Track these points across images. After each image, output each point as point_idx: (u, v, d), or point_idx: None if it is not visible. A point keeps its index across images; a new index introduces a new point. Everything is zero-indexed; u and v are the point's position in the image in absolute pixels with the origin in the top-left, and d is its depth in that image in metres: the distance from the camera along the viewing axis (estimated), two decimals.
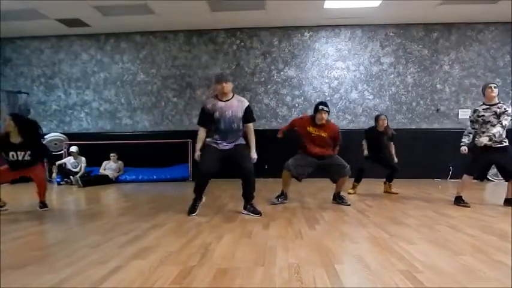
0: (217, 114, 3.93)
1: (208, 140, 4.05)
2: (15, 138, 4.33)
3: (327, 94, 8.71)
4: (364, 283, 1.98)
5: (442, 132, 8.42)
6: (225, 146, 3.98)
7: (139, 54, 9.08)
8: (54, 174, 7.94)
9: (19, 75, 9.30)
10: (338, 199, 4.75)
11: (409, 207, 4.50)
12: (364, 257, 2.40)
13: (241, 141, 4.09)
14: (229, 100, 3.97)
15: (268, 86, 8.85)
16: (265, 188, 6.11)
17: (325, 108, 4.60)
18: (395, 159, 5.78)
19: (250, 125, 4.09)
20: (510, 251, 2.53)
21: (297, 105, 8.74)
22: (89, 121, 9.23)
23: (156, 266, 2.24)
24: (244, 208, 4.06)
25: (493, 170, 6.90)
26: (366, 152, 5.72)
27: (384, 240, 2.84)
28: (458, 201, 4.58)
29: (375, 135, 5.71)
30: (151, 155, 8.51)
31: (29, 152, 4.37)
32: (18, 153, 4.34)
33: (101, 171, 8.02)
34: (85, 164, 7.96)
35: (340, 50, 8.75)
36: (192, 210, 4.01)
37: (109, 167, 8.10)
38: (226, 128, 3.96)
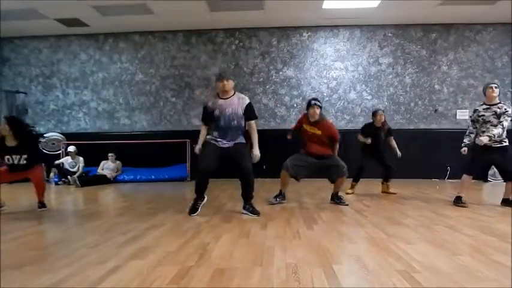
0: (217, 111, 3.93)
1: (208, 137, 4.05)
2: (10, 142, 4.32)
3: (325, 94, 8.72)
4: (362, 283, 1.98)
5: (440, 133, 8.44)
6: (224, 144, 3.97)
7: (138, 54, 9.08)
8: (52, 174, 7.92)
9: (17, 74, 9.27)
10: (336, 199, 4.75)
11: (407, 207, 4.51)
12: (362, 257, 2.40)
13: (242, 139, 4.07)
14: (229, 98, 3.98)
15: (267, 86, 8.86)
16: (263, 188, 6.12)
17: (317, 103, 4.61)
18: (399, 153, 5.73)
19: (252, 122, 4.07)
20: (508, 251, 2.54)
21: (295, 105, 8.74)
22: (87, 121, 9.22)
23: (154, 266, 2.24)
24: (244, 208, 4.06)
25: (491, 170, 6.94)
26: (369, 141, 5.58)
27: (381, 241, 2.85)
28: (457, 201, 4.59)
29: (372, 131, 5.70)
30: (149, 155, 8.50)
31: (24, 156, 4.36)
32: (14, 156, 4.33)
33: (99, 171, 8.00)
34: (83, 164, 7.94)
35: (339, 50, 8.76)
36: (193, 210, 4.00)
37: (107, 167, 8.08)
38: (226, 125, 3.95)
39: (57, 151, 8.57)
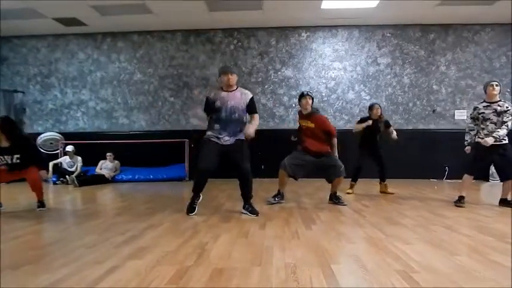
0: (218, 103, 3.93)
1: (208, 133, 4.01)
2: (3, 143, 4.35)
3: (324, 94, 8.73)
4: (361, 283, 1.98)
5: (439, 133, 8.45)
6: (226, 140, 3.95)
7: (136, 54, 9.06)
8: (50, 174, 7.89)
9: (15, 74, 9.25)
10: (334, 199, 4.75)
11: (405, 207, 4.51)
12: (360, 257, 2.40)
13: (241, 136, 4.03)
14: (233, 91, 4.00)
15: (266, 86, 8.86)
16: (262, 188, 6.11)
17: (309, 93, 4.68)
18: (395, 136, 5.73)
19: (255, 115, 4.08)
20: (506, 251, 2.55)
21: (294, 105, 8.74)
22: (85, 120, 9.20)
23: (153, 266, 2.24)
24: (244, 207, 4.06)
25: (491, 170, 6.97)
26: (367, 123, 5.55)
27: (380, 241, 2.85)
28: (459, 201, 4.58)
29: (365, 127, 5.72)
30: (147, 154, 8.48)
31: (16, 156, 4.37)
32: (6, 157, 4.35)
33: (97, 170, 7.99)
34: (81, 164, 7.93)
35: (337, 50, 8.77)
36: (191, 209, 3.99)
37: (105, 166, 8.07)
38: (226, 118, 3.94)
39: (55, 151, 8.54)
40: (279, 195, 4.81)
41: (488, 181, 7.74)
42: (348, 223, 3.58)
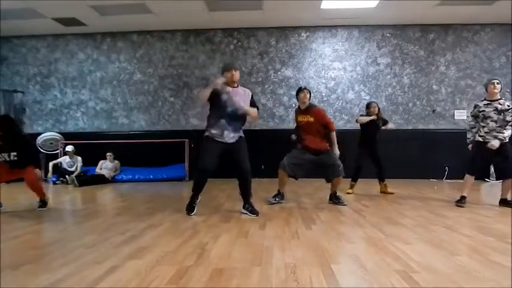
0: (225, 96, 3.90)
1: (211, 131, 3.94)
2: (1, 140, 4.39)
3: (323, 94, 8.73)
4: (361, 283, 1.98)
5: (438, 133, 8.46)
6: (231, 138, 3.93)
7: (136, 54, 9.06)
8: (49, 174, 7.89)
9: (15, 74, 9.25)
10: (334, 199, 4.74)
11: (405, 207, 4.51)
12: (360, 257, 2.40)
13: (242, 133, 4.06)
14: (235, 88, 4.01)
15: (266, 86, 8.86)
16: (261, 188, 6.11)
17: (307, 87, 4.74)
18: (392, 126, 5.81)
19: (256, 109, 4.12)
20: (506, 251, 2.55)
21: (293, 105, 8.73)
22: (85, 120, 9.20)
23: (153, 266, 2.24)
24: (244, 207, 4.06)
25: (491, 170, 6.97)
26: (371, 118, 5.60)
27: (380, 240, 2.85)
28: (460, 201, 4.57)
29: (369, 122, 5.73)
30: (147, 154, 8.49)
31: (13, 153, 4.38)
32: (3, 154, 4.37)
33: (97, 170, 7.98)
34: (81, 164, 7.93)
35: (337, 50, 8.77)
36: (190, 209, 3.99)
37: (105, 166, 8.07)
38: (232, 112, 3.92)
39: (55, 151, 8.54)
40: (279, 195, 4.81)
41: (489, 181, 7.74)
42: (347, 223, 3.58)
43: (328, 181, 4.75)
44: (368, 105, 5.86)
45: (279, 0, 7.16)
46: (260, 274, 2.08)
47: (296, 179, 4.83)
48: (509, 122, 4.40)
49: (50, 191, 6.60)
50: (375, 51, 8.69)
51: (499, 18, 8.06)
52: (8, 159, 4.38)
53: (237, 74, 3.98)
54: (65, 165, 7.92)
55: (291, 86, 8.80)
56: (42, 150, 8.16)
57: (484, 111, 4.53)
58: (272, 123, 8.81)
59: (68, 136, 8.76)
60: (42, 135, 8.59)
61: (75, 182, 7.25)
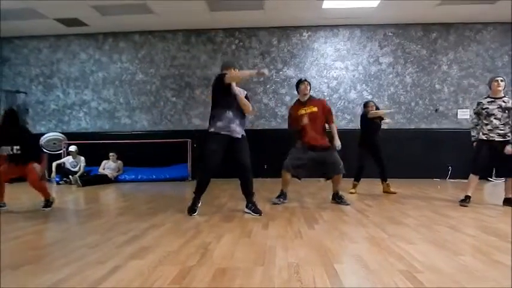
0: (235, 90, 3.96)
1: (218, 125, 3.90)
2: (5, 134, 4.44)
3: (326, 94, 8.71)
4: (364, 283, 1.97)
5: (441, 132, 8.43)
6: (237, 133, 3.93)
7: (138, 54, 9.08)
8: (53, 174, 7.91)
9: (17, 74, 9.28)
10: (337, 199, 4.72)
11: (408, 207, 4.50)
12: (363, 257, 2.39)
13: (244, 132, 4.06)
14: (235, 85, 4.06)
15: (267, 86, 8.85)
16: (264, 187, 6.10)
17: (307, 79, 4.78)
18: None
19: None
20: (510, 251, 2.53)
21: None
22: (87, 121, 9.22)
23: (155, 266, 2.24)
24: (247, 206, 4.05)
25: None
26: (392, 109, 5.62)
27: (383, 240, 2.84)
28: (464, 201, 4.55)
29: (367, 120, 5.73)
30: (150, 154, 8.50)
31: (16, 147, 4.41)
32: (4, 148, 4.40)
33: (100, 170, 8.00)
34: (84, 164, 7.94)
35: (339, 50, 8.75)
36: (193, 210, 3.97)
37: (108, 166, 8.08)
38: (237, 107, 3.95)
39: (58, 151, 8.57)
40: (283, 195, 4.80)
41: (492, 180, 7.70)
42: (350, 223, 3.57)
43: (327, 178, 4.73)
44: (366, 104, 5.87)
45: (280, 0, 7.15)
46: (263, 274, 2.08)
47: (299, 179, 4.82)
48: None
49: (54, 191, 6.60)
50: (377, 50, 8.67)
51: (502, 17, 8.03)
52: (11, 152, 4.41)
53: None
54: (68, 165, 7.94)
55: (292, 85, 8.72)
56: (45, 151, 8.17)
57: (487, 108, 4.50)
58: (274, 122, 8.81)
59: (70, 136, 8.79)
60: (45, 135, 8.61)
61: (79, 182, 7.27)
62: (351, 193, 5.62)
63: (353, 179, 5.80)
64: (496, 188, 6.64)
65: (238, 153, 3.94)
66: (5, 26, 8.28)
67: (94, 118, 9.20)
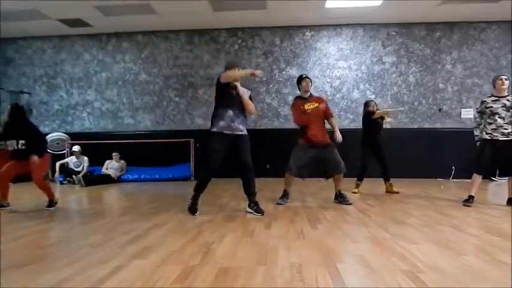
0: (233, 91, 3.93)
1: (221, 124, 3.89)
2: (11, 128, 4.47)
3: (328, 93, 8.70)
4: (366, 283, 1.97)
5: (445, 132, 8.40)
6: (241, 130, 3.93)
7: (141, 54, 9.10)
8: (56, 174, 7.95)
9: (21, 75, 9.33)
10: (340, 198, 4.72)
11: (411, 207, 4.48)
12: (365, 257, 2.39)
13: (246, 131, 4.06)
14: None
15: (270, 86, 8.85)
16: (266, 187, 6.10)
17: (308, 75, 4.79)
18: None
19: None
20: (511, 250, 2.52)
21: None
22: (91, 121, 9.25)
23: (158, 265, 2.24)
24: (249, 206, 4.05)
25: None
26: (402, 108, 5.60)
27: (385, 240, 2.83)
28: (468, 200, 4.53)
29: (369, 119, 5.72)
30: (153, 154, 8.52)
31: (22, 142, 4.43)
32: (12, 141, 4.43)
33: (103, 170, 8.03)
34: (87, 164, 7.97)
35: (342, 49, 8.74)
36: (194, 210, 3.98)
37: (111, 166, 8.11)
38: (238, 107, 3.94)
39: (61, 151, 8.60)
40: (286, 196, 4.79)
41: (496, 180, 7.66)
42: (353, 222, 3.56)
43: (328, 177, 4.73)
44: (367, 104, 5.86)
45: (282, 0, 7.16)
46: (265, 274, 2.08)
47: (303, 178, 4.81)
48: None
49: (57, 190, 6.64)
50: (380, 49, 8.65)
51: (506, 16, 7.98)
52: (16, 147, 4.43)
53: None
54: (71, 165, 7.97)
55: (295, 85, 8.74)
56: (49, 151, 8.20)
57: (491, 107, 4.47)
58: (277, 122, 8.80)
59: (74, 136, 8.83)
60: (49, 135, 8.64)
61: (82, 181, 7.29)
62: (354, 193, 5.61)
63: (356, 178, 5.79)
64: (499, 187, 6.60)
65: (240, 152, 3.93)
66: (9, 27, 8.33)
67: (97, 118, 9.23)
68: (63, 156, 8.39)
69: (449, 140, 8.19)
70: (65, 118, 9.29)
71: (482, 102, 4.61)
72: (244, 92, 4.06)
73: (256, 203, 4.03)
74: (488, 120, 4.49)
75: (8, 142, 4.44)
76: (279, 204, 4.65)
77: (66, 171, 7.91)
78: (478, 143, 4.67)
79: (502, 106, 4.41)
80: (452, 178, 8.09)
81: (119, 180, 7.99)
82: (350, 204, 4.58)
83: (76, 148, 8.03)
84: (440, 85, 8.56)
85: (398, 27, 8.57)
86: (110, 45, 9.15)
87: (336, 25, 8.66)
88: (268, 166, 8.05)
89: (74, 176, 7.64)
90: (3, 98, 9.03)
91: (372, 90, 8.66)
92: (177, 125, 9.02)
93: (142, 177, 8.16)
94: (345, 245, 2.73)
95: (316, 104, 4.64)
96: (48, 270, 2.18)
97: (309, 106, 4.65)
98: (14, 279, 2.05)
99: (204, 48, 8.98)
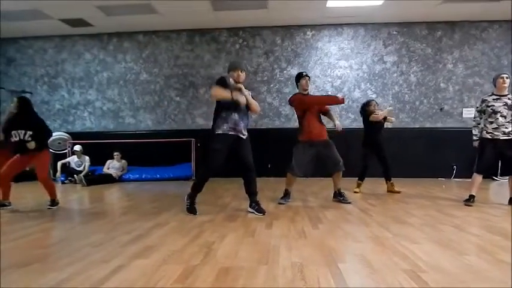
0: (236, 94, 3.85)
1: (224, 127, 3.87)
2: (19, 119, 4.49)
3: (330, 93, 8.68)
4: (368, 283, 1.97)
5: (446, 132, 8.38)
6: (243, 134, 3.92)
7: (142, 54, 9.10)
8: (58, 173, 7.96)
9: (23, 74, 9.34)
10: (339, 197, 4.73)
11: (412, 206, 4.48)
12: (367, 256, 2.38)
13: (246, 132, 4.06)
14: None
15: (271, 85, 8.84)
16: (268, 187, 6.10)
17: (308, 74, 4.81)
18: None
19: None
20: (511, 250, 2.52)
21: None
22: (92, 120, 9.26)
23: (159, 265, 2.24)
24: (250, 206, 4.05)
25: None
26: (384, 112, 5.65)
27: (387, 240, 2.83)
28: (469, 200, 4.53)
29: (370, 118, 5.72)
30: (154, 154, 8.53)
31: (30, 133, 4.44)
32: (19, 131, 4.44)
33: (105, 170, 8.04)
34: (89, 163, 7.98)
35: (343, 48, 8.72)
36: (193, 210, 3.98)
37: (112, 166, 8.11)
38: (242, 109, 3.93)
39: (63, 150, 8.61)
40: (287, 195, 4.79)
41: (497, 179, 7.64)
42: (354, 222, 3.56)
43: (327, 175, 4.75)
44: (368, 103, 5.84)
45: None
46: (267, 273, 2.08)
47: (307, 177, 4.80)
48: None
49: (59, 190, 6.62)
50: (381, 49, 8.63)
51: (507, 15, 7.95)
52: (22, 138, 4.43)
53: (242, 75, 3.94)
54: (73, 165, 7.98)
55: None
56: (50, 150, 8.22)
57: (493, 106, 4.45)
58: (278, 122, 8.80)
59: (75, 136, 8.83)
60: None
61: (83, 181, 7.30)
62: (355, 192, 5.60)
63: (357, 178, 5.79)
64: (501, 187, 6.59)
65: (241, 152, 3.93)
66: (11, 27, 8.34)
67: (98, 118, 9.24)
68: (64, 156, 8.40)
69: (451, 139, 8.17)
70: (66, 118, 9.30)
71: (483, 101, 4.59)
72: (249, 93, 4.05)
73: (257, 203, 4.02)
74: (489, 119, 4.47)
75: (13, 132, 4.44)
76: (281, 203, 4.65)
77: (68, 170, 7.93)
78: (475, 142, 4.64)
79: (504, 105, 4.39)
80: (453, 178, 8.07)
81: (120, 179, 8.00)
82: (349, 203, 4.58)
83: (77, 148, 8.04)
84: (442, 84, 8.54)
85: (400, 26, 8.55)
86: (111, 44, 9.16)
87: (337, 24, 8.65)
88: (269, 166, 8.05)
89: (75, 176, 7.65)
90: (4, 98, 9.04)
91: (373, 89, 8.64)
92: (178, 125, 9.02)
93: (143, 176, 8.16)
94: (346, 245, 2.73)
95: None
96: (49, 270, 2.18)
97: None
98: (16, 279, 2.05)
99: (205, 48, 8.97)
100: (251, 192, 4.04)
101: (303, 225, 3.40)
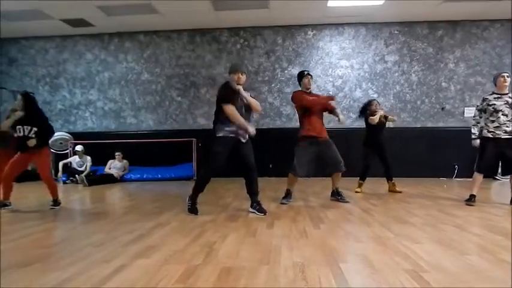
0: (240, 101, 3.89)
1: (227, 130, 3.86)
2: (26, 114, 4.50)
3: (331, 93, 8.67)
4: (369, 282, 1.96)
5: (448, 131, 8.37)
6: (244, 138, 3.93)
7: (143, 54, 9.11)
8: (59, 173, 7.98)
9: (24, 75, 9.36)
10: (337, 195, 4.74)
11: (413, 206, 4.47)
12: (368, 256, 2.38)
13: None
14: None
15: (272, 85, 8.84)
16: (269, 187, 6.10)
17: (310, 72, 4.80)
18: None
19: None
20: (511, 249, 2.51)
21: None
22: (93, 120, 9.27)
23: (160, 265, 2.24)
24: (251, 206, 4.04)
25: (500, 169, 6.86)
26: (381, 112, 5.64)
27: (388, 240, 2.82)
28: (470, 200, 4.52)
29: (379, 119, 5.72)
30: (155, 154, 8.54)
31: (34, 129, 4.46)
32: (25, 127, 4.45)
33: (106, 170, 8.05)
34: (90, 163, 8.00)
35: (344, 48, 8.72)
36: (195, 210, 3.98)
37: (114, 166, 8.13)
38: (246, 112, 3.94)
39: (64, 150, 8.63)
40: (289, 195, 4.79)
41: (498, 179, 7.62)
42: (356, 222, 3.56)
43: (327, 175, 4.73)
44: (369, 103, 5.84)
45: None
46: (268, 273, 2.08)
47: (309, 177, 4.80)
48: None
49: (60, 190, 6.64)
50: (382, 48, 8.63)
51: (508, 14, 7.93)
52: (27, 134, 4.45)
53: (243, 78, 3.91)
54: (74, 165, 8.00)
55: (297, 84, 8.74)
56: (52, 150, 8.24)
57: (494, 104, 4.43)
58: (279, 122, 8.80)
59: (77, 136, 8.85)
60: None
61: (85, 181, 7.31)
62: (357, 192, 5.60)
63: (358, 178, 5.78)
64: (502, 186, 6.57)
65: (243, 153, 3.93)
66: (12, 27, 8.36)
67: (100, 118, 9.25)
68: (66, 156, 8.42)
69: (452, 139, 8.16)
70: (67, 118, 9.32)
71: (484, 99, 4.57)
72: (248, 94, 4.06)
73: (258, 203, 4.02)
74: (491, 118, 4.46)
75: (17, 127, 4.45)
76: (283, 203, 4.65)
77: (69, 170, 7.95)
78: (473, 141, 4.62)
79: (505, 103, 4.38)
80: (455, 177, 8.06)
81: (121, 179, 8.01)
82: (347, 202, 4.59)
83: (79, 148, 8.06)
84: (443, 84, 8.53)
85: (401, 26, 8.54)
86: (112, 45, 9.17)
87: (338, 24, 8.64)
88: (270, 166, 8.05)
89: (76, 176, 7.66)
90: (5, 98, 9.06)
91: (374, 89, 8.64)
92: (179, 125, 9.03)
93: (144, 176, 8.17)
94: (347, 245, 2.73)
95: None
96: (51, 270, 2.19)
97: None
98: (16, 279, 2.05)
99: (206, 48, 8.98)
100: (252, 192, 4.04)
101: (305, 225, 3.40)
